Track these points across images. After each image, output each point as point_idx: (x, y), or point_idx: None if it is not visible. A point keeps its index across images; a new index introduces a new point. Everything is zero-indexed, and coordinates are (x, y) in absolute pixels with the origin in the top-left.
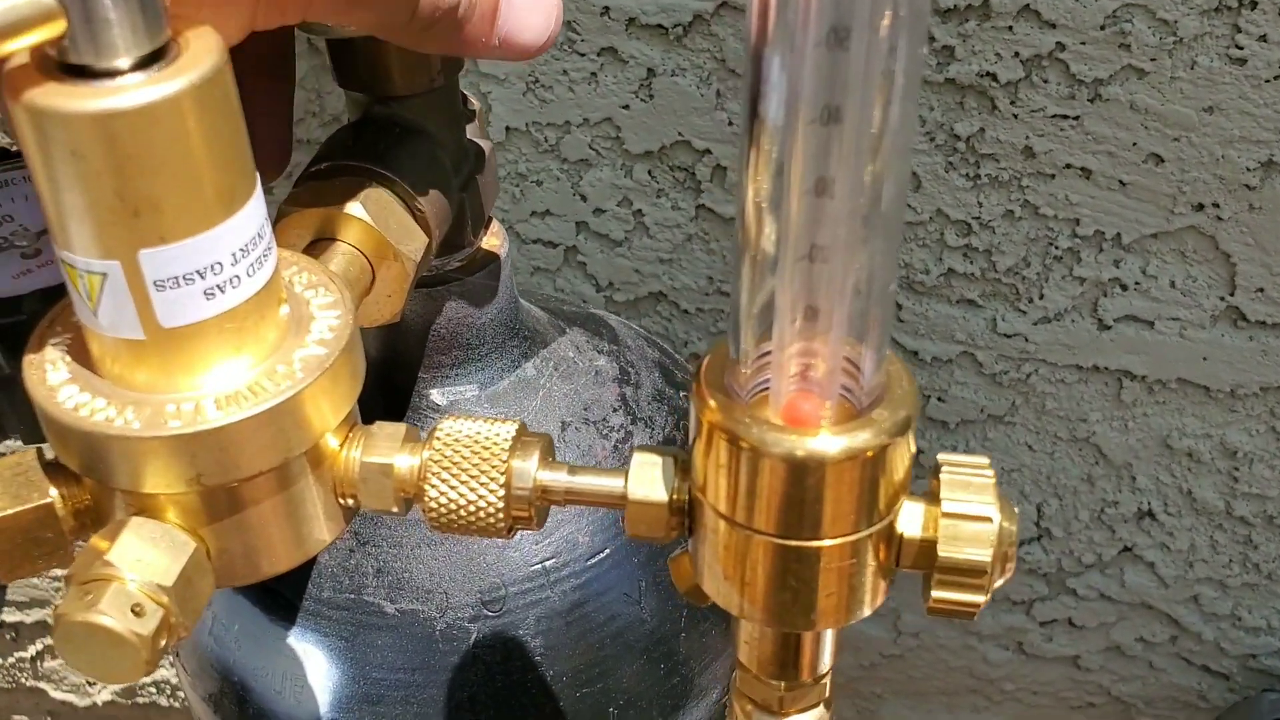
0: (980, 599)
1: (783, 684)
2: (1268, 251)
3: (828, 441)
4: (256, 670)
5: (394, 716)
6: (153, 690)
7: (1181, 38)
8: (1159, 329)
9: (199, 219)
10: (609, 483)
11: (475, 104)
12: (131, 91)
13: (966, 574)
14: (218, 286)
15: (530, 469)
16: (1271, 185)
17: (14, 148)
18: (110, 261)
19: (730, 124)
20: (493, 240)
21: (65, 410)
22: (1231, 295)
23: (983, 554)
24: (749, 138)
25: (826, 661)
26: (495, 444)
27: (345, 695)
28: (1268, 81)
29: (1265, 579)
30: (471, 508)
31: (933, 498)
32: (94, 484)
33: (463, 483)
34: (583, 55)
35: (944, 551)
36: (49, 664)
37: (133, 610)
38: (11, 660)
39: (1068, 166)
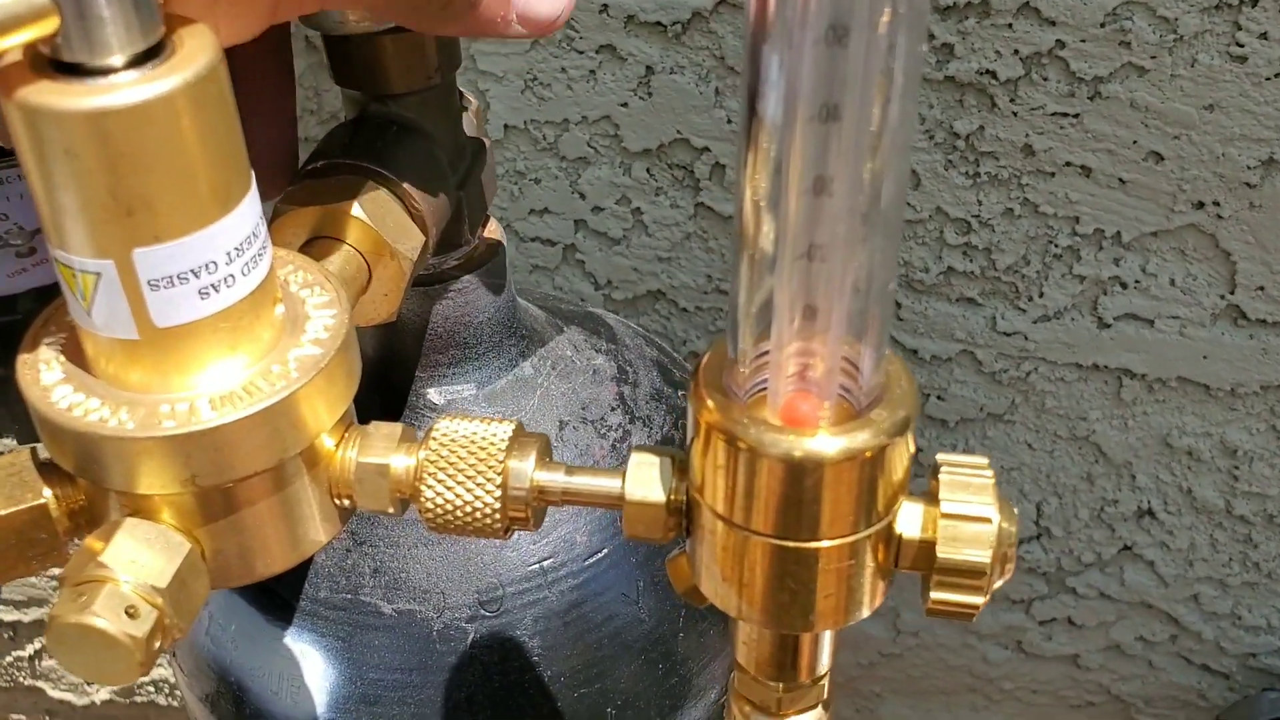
0: (979, 600)
1: (781, 685)
2: (1268, 250)
3: (826, 442)
4: (253, 670)
5: (391, 717)
6: (151, 689)
7: (1182, 35)
8: (1159, 327)
9: (193, 218)
10: (606, 483)
11: (473, 101)
12: (125, 90)
13: (966, 575)
14: (212, 286)
15: (527, 469)
16: (1272, 183)
17: (7, 146)
18: (104, 261)
19: (729, 122)
20: (490, 239)
21: (59, 410)
22: (1232, 293)
23: (982, 555)
24: (747, 136)
25: (825, 662)
26: (492, 444)
27: (342, 695)
28: (1268, 79)
29: (1265, 578)
30: (468, 508)
31: (932, 498)
32: (88, 484)
33: (459, 483)
34: (581, 53)
35: (943, 552)
36: (47, 663)
37: (126, 612)
38: (9, 659)
39: (1067, 164)
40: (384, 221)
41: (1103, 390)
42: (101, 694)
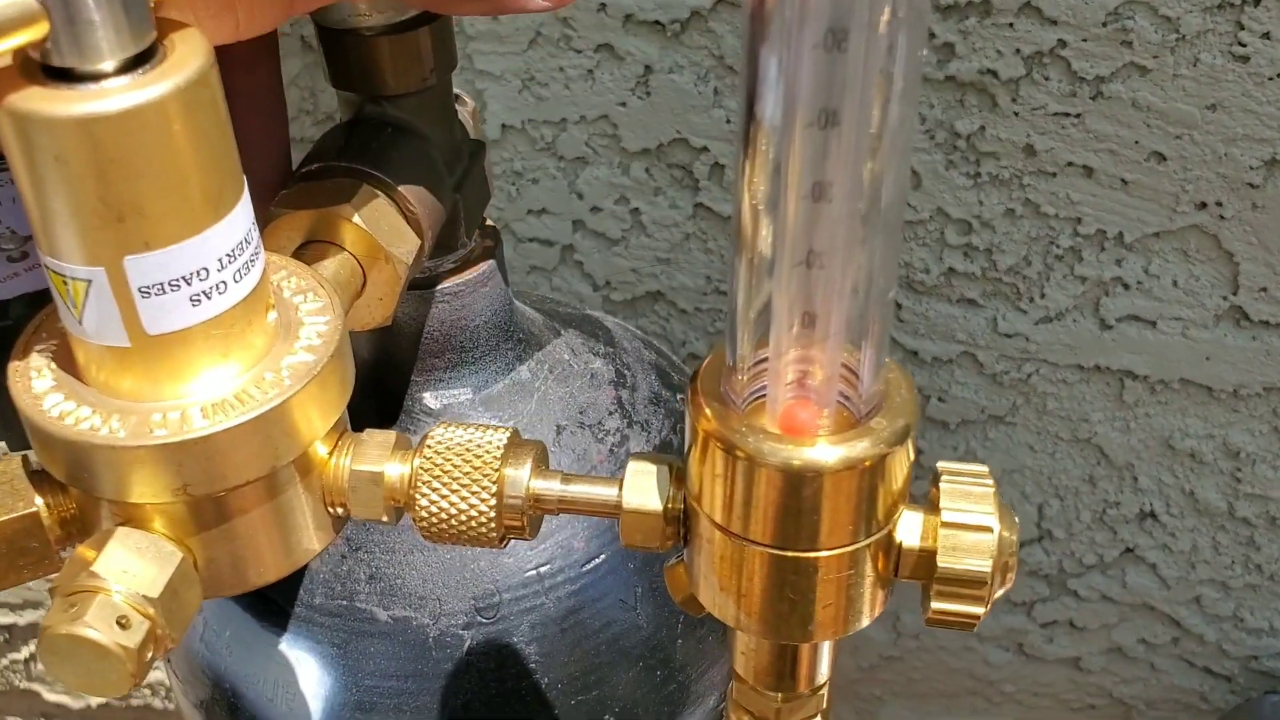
0: (980, 610)
1: (780, 695)
2: (1271, 251)
3: (825, 451)
4: (248, 677)
5: None
6: (147, 692)
7: (1184, 35)
8: (1161, 329)
9: (185, 224)
10: (603, 491)
11: (469, 102)
12: (116, 95)
13: (966, 585)
14: (204, 293)
15: (523, 477)
16: (1275, 184)
17: None
18: (95, 268)
19: (728, 121)
20: (487, 241)
21: (50, 419)
22: (1234, 295)
23: (982, 564)
24: (745, 139)
25: (824, 672)
26: (487, 452)
27: (337, 703)
28: (1271, 79)
29: (1268, 580)
30: (463, 517)
31: (932, 507)
32: (80, 493)
33: (454, 492)
34: (579, 52)
35: (943, 562)
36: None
37: (118, 622)
38: (5, 662)
39: (1069, 165)
40: (379, 226)
41: (1105, 392)
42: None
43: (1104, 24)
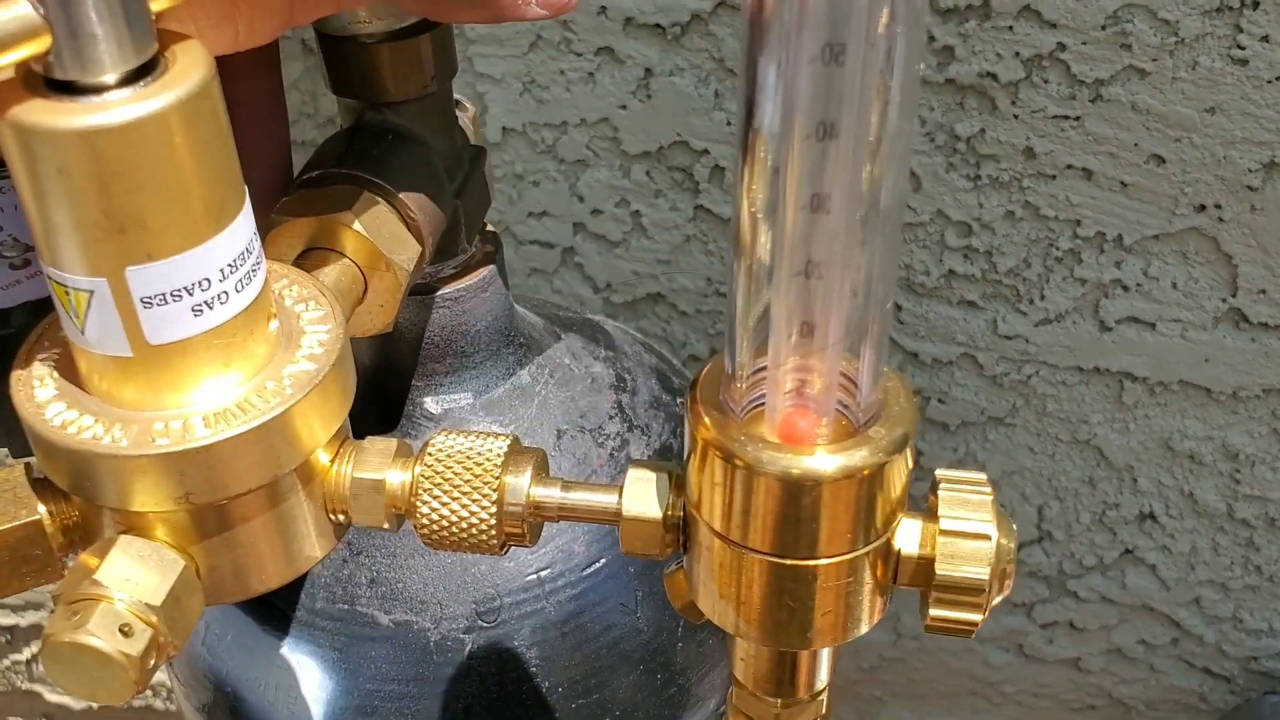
0: (978, 617)
1: (779, 701)
2: (1269, 253)
3: (824, 460)
4: (249, 681)
5: None
6: (148, 694)
7: (1183, 38)
8: (1160, 330)
9: (187, 235)
10: (603, 499)
11: (469, 107)
12: (118, 108)
13: (965, 592)
14: (206, 303)
15: (523, 485)
16: (1273, 186)
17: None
18: (97, 279)
19: (729, 124)
20: (487, 247)
21: (53, 428)
22: (1233, 297)
23: (981, 572)
24: (744, 148)
25: (823, 678)
26: (488, 460)
27: (338, 707)
28: (1269, 82)
29: (1267, 581)
30: (464, 524)
31: (930, 514)
32: (82, 501)
33: (455, 499)
34: (580, 55)
35: (942, 569)
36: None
37: (121, 630)
38: (7, 663)
39: (1069, 167)
40: (380, 233)
41: (1104, 393)
42: None
43: (1103, 27)
